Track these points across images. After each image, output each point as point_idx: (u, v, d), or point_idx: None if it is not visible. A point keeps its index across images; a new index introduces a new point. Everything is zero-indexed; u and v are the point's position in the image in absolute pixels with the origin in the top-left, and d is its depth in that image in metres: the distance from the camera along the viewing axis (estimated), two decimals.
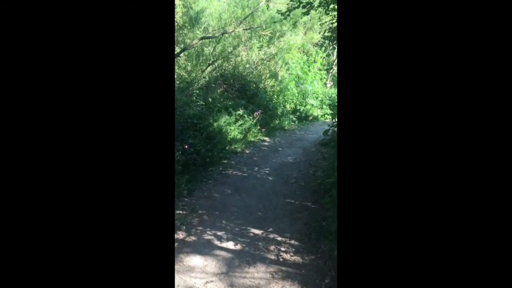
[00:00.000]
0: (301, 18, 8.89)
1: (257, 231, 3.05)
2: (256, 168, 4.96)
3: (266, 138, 7.01)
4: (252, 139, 6.66)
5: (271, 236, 2.97)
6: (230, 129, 6.28)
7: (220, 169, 4.85)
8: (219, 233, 2.98)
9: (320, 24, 8.94)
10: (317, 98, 10.36)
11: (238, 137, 6.38)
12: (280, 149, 6.19)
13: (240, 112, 6.95)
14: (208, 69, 8.29)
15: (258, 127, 7.01)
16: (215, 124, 6.04)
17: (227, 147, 5.76)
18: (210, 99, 6.60)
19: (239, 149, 5.93)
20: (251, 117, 7.02)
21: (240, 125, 6.63)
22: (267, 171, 4.83)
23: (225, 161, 5.24)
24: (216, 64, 8.47)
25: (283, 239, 2.92)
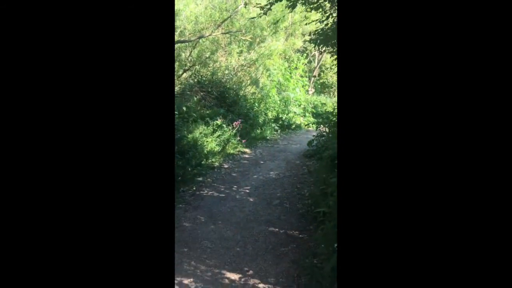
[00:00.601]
0: (282, 19, 8.45)
1: (234, 276, 2.44)
2: (235, 186, 4.37)
3: (247, 150, 6.44)
4: (232, 151, 6.06)
5: (251, 281, 2.38)
6: (207, 141, 5.67)
7: (194, 189, 4.22)
8: (185, 281, 2.36)
9: (306, 24, 8.51)
10: (299, 105, 9.92)
11: (215, 149, 5.77)
12: (262, 162, 5.63)
13: (218, 121, 6.36)
14: (184, 75, 7.66)
15: (238, 138, 6.43)
16: (189, 136, 5.41)
17: (203, 162, 5.14)
18: (184, 108, 5.97)
19: (216, 164, 5.32)
20: (230, 127, 6.44)
21: (218, 136, 6.03)
22: (247, 190, 4.24)
23: (200, 178, 4.61)
24: (192, 70, 7.85)
25: (266, 286, 2.34)
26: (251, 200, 3.92)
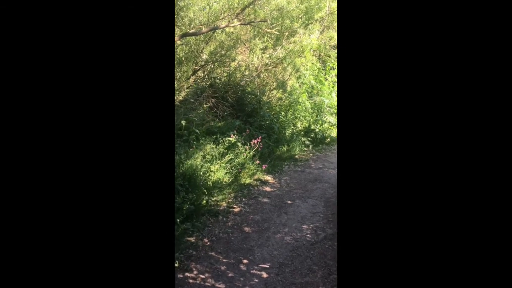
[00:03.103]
0: (317, 8, 6.54)
1: None
2: (245, 261, 2.58)
3: (269, 178, 4.64)
4: (247, 181, 4.29)
5: None
6: (212, 170, 3.94)
7: (176, 264, 2.49)
8: None
9: None
10: (335, 113, 7.94)
11: (224, 180, 4.03)
12: (289, 201, 3.81)
13: (232, 139, 4.61)
14: (193, 77, 6.00)
15: (257, 161, 4.65)
16: (187, 163, 3.71)
17: (203, 202, 3.42)
18: (183, 122, 4.27)
19: (223, 205, 3.58)
20: (247, 146, 4.67)
21: (230, 160, 4.28)
22: (264, 274, 2.44)
23: (192, 239, 2.87)
24: (204, 70, 6.18)
25: None
26: None
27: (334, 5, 7.59)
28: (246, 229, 3.07)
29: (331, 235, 3.00)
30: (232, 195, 3.85)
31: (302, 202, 3.80)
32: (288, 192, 4.14)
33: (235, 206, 3.57)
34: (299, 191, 4.19)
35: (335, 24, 8.07)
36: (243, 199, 3.80)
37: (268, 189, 4.21)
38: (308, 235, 2.98)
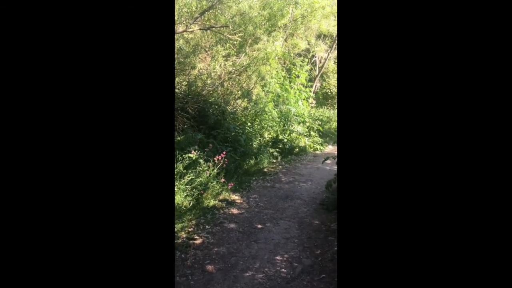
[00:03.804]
0: (281, 14, 6.26)
1: None
2: None
3: (236, 197, 4.15)
4: (211, 203, 3.77)
5: None
6: None
7: None
8: None
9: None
10: (302, 122, 7.70)
11: (184, 204, 3.47)
12: (259, 226, 3.34)
13: (193, 155, 4.07)
14: None
15: (222, 179, 4.14)
16: None
17: None
18: None
19: (183, 235, 3.02)
20: (210, 163, 4.15)
21: (190, 181, 3.73)
22: None
23: None
24: None
25: None
26: None
27: (297, 12, 7.40)
28: (209, 267, 2.54)
29: (309, 266, 2.58)
30: (194, 222, 3.30)
31: (273, 225, 3.35)
32: (257, 213, 3.67)
33: (196, 237, 3.03)
34: (269, 211, 3.75)
35: (299, 31, 7.90)
36: (207, 226, 3.27)
37: (235, 211, 3.71)
38: (283, 270, 2.52)
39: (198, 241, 2.96)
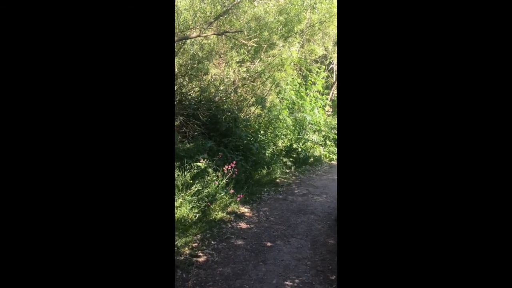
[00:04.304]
0: (297, 19, 6.05)
1: None
2: None
3: (245, 210, 3.91)
4: (219, 216, 3.55)
5: None
6: (176, 204, 3.17)
7: None
8: None
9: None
10: (318, 131, 7.40)
11: (190, 217, 3.27)
12: (268, 244, 3.08)
13: (201, 164, 3.88)
14: None
15: (231, 191, 3.92)
16: None
17: None
18: None
19: (186, 252, 2.80)
20: (219, 173, 3.95)
21: (197, 192, 3.53)
22: None
23: None
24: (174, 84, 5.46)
25: None
26: None
27: (315, 17, 7.17)
28: None
29: None
30: (199, 236, 3.09)
31: (284, 244, 3.09)
32: (267, 229, 3.42)
33: (200, 254, 2.80)
34: (280, 227, 3.48)
35: (316, 37, 7.66)
36: (212, 241, 3.04)
37: (243, 225, 3.47)
38: None
39: (202, 259, 2.73)
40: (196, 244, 2.96)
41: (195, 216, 3.31)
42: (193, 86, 5.52)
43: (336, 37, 9.01)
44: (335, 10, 6.99)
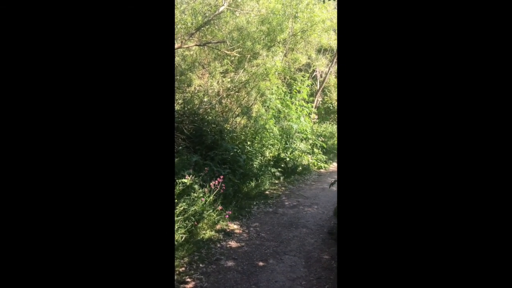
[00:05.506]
0: (280, 29, 6.00)
1: None
2: None
3: (235, 227, 3.73)
4: (207, 235, 3.35)
5: None
6: None
7: None
8: None
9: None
10: (305, 139, 7.33)
11: (176, 239, 3.06)
12: (260, 263, 2.91)
13: (187, 180, 3.69)
14: None
15: (219, 207, 3.74)
16: None
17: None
18: None
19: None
20: (206, 189, 3.76)
21: (183, 211, 3.33)
22: None
23: None
24: None
25: None
26: None
27: (297, 26, 7.17)
28: None
29: None
30: (186, 259, 2.88)
31: (277, 262, 2.92)
32: (258, 246, 3.24)
33: (188, 280, 2.60)
34: (272, 243, 3.32)
35: (299, 46, 7.65)
36: (200, 264, 2.84)
37: (233, 244, 3.29)
38: None
39: (190, 285, 2.53)
40: (183, 268, 2.75)
41: (181, 238, 3.10)
42: (176, 98, 5.34)
43: (318, 45, 9.06)
44: (317, 19, 7.03)
